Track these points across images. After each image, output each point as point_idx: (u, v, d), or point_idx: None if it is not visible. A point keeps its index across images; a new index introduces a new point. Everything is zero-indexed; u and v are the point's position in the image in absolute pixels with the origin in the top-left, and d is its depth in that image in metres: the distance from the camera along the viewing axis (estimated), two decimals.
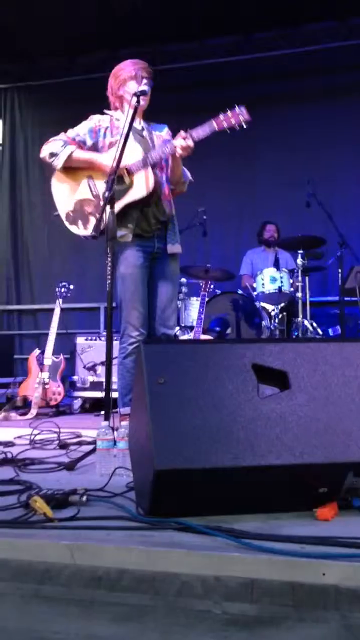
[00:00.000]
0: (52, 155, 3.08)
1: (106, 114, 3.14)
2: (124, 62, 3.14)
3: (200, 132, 2.89)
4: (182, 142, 2.89)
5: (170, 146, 2.93)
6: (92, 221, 3.05)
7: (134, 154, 2.97)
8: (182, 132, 2.91)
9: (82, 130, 3.13)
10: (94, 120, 3.14)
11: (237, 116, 2.86)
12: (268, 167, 6.61)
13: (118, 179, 2.96)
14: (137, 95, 2.89)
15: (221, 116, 2.87)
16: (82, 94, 7.01)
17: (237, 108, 2.88)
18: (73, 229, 3.13)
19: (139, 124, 3.14)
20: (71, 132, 3.14)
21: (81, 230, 3.11)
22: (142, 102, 2.97)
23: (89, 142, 3.11)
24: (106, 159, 2.98)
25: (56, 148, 3.08)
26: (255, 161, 6.62)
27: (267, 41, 6.65)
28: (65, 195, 3.15)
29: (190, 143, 2.88)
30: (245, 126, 2.87)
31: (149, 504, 1.70)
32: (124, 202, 2.95)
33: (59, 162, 3.08)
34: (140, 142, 3.08)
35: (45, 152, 3.11)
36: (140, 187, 2.96)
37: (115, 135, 3.05)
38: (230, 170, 6.45)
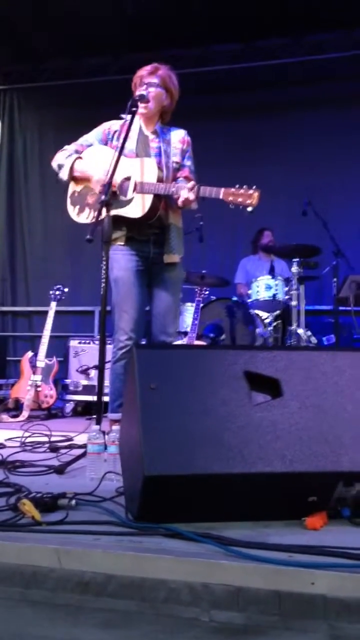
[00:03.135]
0: (59, 167, 3.12)
1: (122, 118, 3.13)
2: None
3: (207, 192, 2.86)
4: (185, 193, 2.85)
5: (175, 190, 2.90)
6: (86, 212, 3.08)
7: (124, 169, 2.96)
8: (190, 184, 2.87)
9: (90, 136, 3.16)
10: (104, 126, 3.17)
11: (247, 199, 2.81)
12: (265, 174, 6.61)
13: (122, 189, 2.95)
14: (135, 100, 2.90)
15: (233, 190, 2.83)
16: (83, 97, 7.04)
17: (251, 191, 2.83)
18: (70, 209, 3.16)
19: (146, 128, 3.13)
20: (81, 139, 3.16)
21: (74, 214, 3.14)
22: (141, 109, 2.98)
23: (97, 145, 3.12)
24: (97, 173, 2.98)
25: (62, 159, 3.11)
26: (252, 168, 6.62)
27: (269, 49, 6.68)
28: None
29: (191, 197, 2.84)
30: (249, 210, 2.83)
31: (138, 509, 1.69)
32: (118, 213, 2.94)
33: (63, 175, 3.12)
34: (140, 148, 3.07)
35: (54, 163, 3.15)
36: (136, 208, 2.95)
37: (123, 137, 3.04)
38: (227, 176, 6.45)
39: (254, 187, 2.84)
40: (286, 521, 1.73)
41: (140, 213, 2.94)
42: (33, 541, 1.56)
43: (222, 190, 2.85)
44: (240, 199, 2.82)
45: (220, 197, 2.84)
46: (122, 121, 3.09)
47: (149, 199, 2.93)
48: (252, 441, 1.72)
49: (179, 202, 2.89)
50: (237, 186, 2.84)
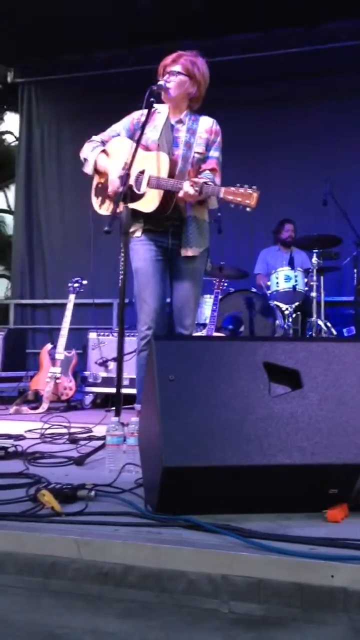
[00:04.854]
0: (85, 160, 3.13)
1: (151, 106, 3.09)
2: None
3: (209, 190, 2.82)
4: (186, 186, 2.80)
5: (179, 186, 2.84)
6: (106, 204, 3.09)
7: (140, 162, 2.93)
8: (193, 179, 2.83)
9: (118, 126, 3.16)
10: (133, 115, 3.14)
11: (246, 199, 2.75)
12: (285, 164, 6.56)
13: (137, 183, 2.94)
14: (153, 90, 2.88)
15: (233, 189, 2.77)
16: (100, 89, 7.03)
17: (251, 191, 2.76)
18: (93, 200, 3.17)
19: (173, 117, 3.10)
20: (108, 130, 3.17)
21: (97, 206, 3.15)
22: (163, 98, 2.97)
23: (124, 136, 3.10)
24: (114, 171, 2.94)
25: (87, 152, 3.11)
26: (272, 158, 6.58)
27: (285, 39, 6.61)
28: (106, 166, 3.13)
29: (191, 191, 2.78)
30: (247, 210, 2.77)
31: (158, 500, 1.69)
32: (133, 206, 2.92)
33: (88, 170, 3.12)
34: (163, 139, 3.04)
35: (82, 154, 3.15)
36: (148, 203, 2.93)
37: (148, 127, 3.00)
38: (246, 167, 6.40)
39: (254, 187, 2.77)
40: (307, 513, 1.71)
41: (152, 208, 2.92)
42: (53, 532, 1.57)
43: (223, 189, 2.80)
44: (239, 199, 2.76)
45: (221, 195, 2.79)
46: (151, 110, 3.04)
47: (160, 194, 2.90)
48: (272, 433, 1.70)
49: (179, 195, 2.84)
50: (237, 185, 2.78)
